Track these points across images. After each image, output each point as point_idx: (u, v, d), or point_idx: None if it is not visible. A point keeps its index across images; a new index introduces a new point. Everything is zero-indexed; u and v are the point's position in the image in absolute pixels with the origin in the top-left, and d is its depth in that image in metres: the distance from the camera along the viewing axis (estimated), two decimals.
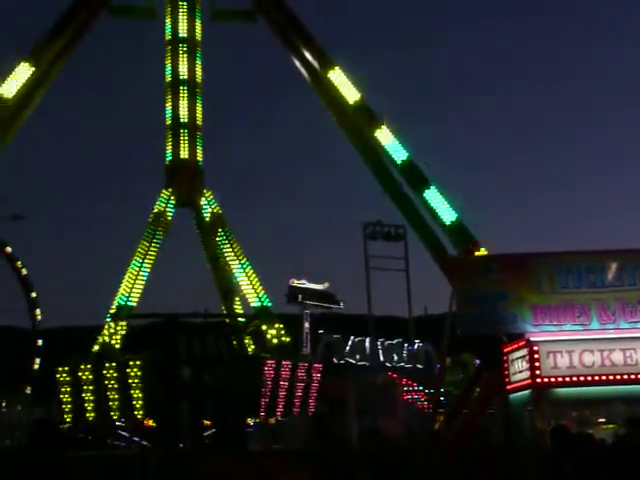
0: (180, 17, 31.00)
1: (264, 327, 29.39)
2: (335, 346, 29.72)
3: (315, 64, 28.67)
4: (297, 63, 29.18)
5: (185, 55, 30.67)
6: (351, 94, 27.60)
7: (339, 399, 27.35)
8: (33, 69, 26.25)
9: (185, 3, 31.08)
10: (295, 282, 31.11)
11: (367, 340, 29.78)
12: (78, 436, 26.07)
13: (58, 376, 26.73)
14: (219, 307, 31.42)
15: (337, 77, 28.15)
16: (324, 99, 28.77)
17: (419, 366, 31.16)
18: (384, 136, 26.71)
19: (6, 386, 37.80)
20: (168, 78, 30.66)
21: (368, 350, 29.80)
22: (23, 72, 26.00)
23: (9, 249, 41.97)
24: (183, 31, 30.95)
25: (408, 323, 30.29)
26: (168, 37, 31.02)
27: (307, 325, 31.22)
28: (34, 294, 42.89)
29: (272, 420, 26.69)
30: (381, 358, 30.23)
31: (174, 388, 26.09)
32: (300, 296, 30.90)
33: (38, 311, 42.91)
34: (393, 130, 26.73)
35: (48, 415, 33.77)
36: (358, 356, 29.88)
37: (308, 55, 28.72)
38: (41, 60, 26.63)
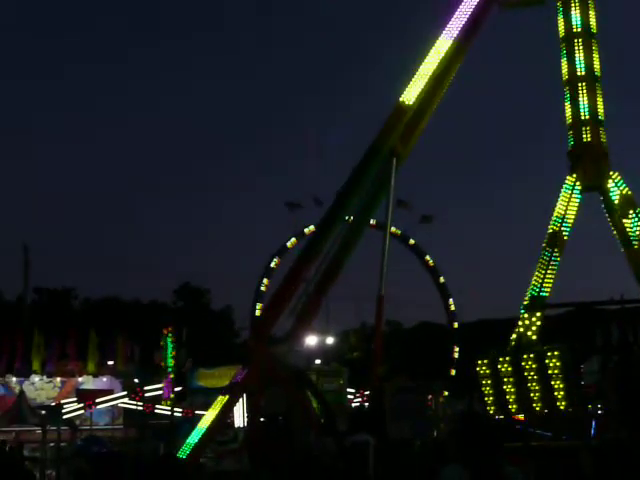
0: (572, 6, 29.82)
1: None
2: None
3: None
4: None
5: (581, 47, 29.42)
6: None
7: None
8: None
9: None
10: None
11: None
12: (504, 427, 26.31)
13: (478, 369, 27.27)
14: (637, 292, 29.90)
15: None
16: None
17: None
18: None
19: (427, 379, 39.49)
20: (564, 72, 29.74)
21: None
22: (422, 78, 26.62)
23: (428, 258, 44.05)
24: (577, 20, 29.62)
25: None
26: (561, 31, 29.93)
27: None
28: (451, 301, 44.71)
29: None
30: None
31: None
32: None
33: (451, 303, 44.42)
34: None
35: (470, 407, 34.54)
36: None
37: None
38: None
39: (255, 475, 15.28)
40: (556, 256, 28.51)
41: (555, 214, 28.85)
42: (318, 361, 43.72)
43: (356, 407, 37.44)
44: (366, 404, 34.22)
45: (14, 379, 45.52)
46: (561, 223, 28.62)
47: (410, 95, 26.33)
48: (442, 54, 26.70)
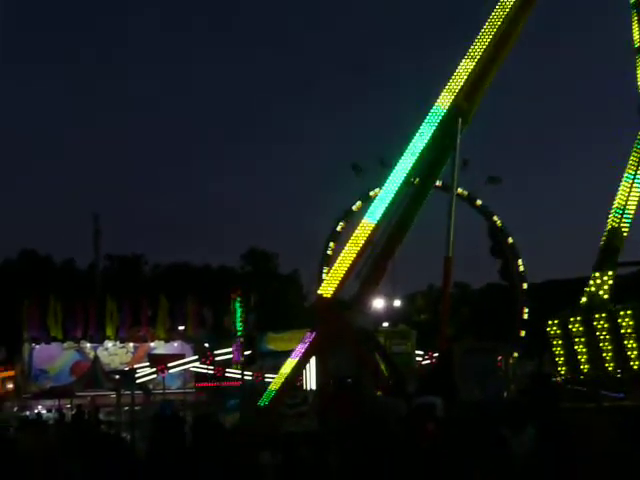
0: None
1: None
2: None
3: None
4: None
5: None
6: None
7: None
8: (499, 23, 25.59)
9: None
10: None
11: None
12: (573, 388, 26.01)
13: (548, 329, 26.92)
14: None
15: None
16: None
17: None
18: None
19: (496, 341, 39.20)
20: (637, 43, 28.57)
21: None
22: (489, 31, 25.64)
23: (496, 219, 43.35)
24: None
25: None
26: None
27: None
28: (520, 262, 43.94)
29: None
30: None
31: None
32: None
33: (521, 263, 43.77)
34: None
35: (540, 368, 34.22)
36: None
37: None
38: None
39: (324, 437, 15.36)
40: (629, 213, 27.78)
41: (627, 171, 28.06)
42: (386, 324, 43.73)
43: (425, 369, 37.38)
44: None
45: (88, 345, 46.65)
46: (633, 180, 27.80)
47: (474, 54, 25.60)
48: (508, 9, 25.87)
